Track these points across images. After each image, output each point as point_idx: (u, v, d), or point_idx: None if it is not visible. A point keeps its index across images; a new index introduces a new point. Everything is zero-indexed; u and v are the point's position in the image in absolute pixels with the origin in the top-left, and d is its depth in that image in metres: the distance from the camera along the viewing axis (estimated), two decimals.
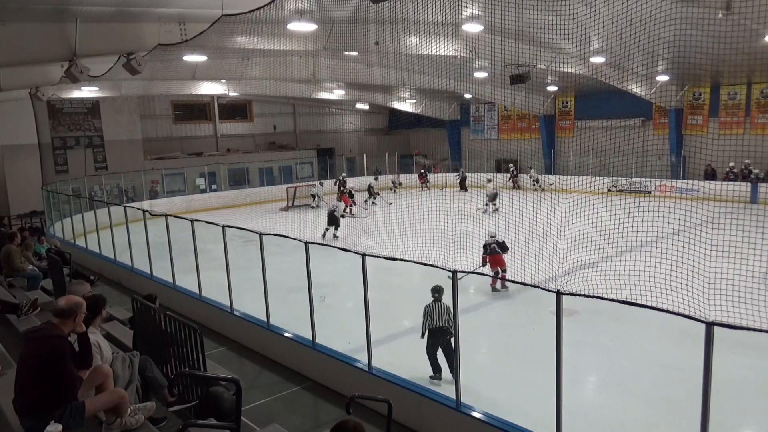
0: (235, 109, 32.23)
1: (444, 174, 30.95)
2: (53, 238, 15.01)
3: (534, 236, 12.70)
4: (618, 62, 19.16)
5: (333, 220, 17.27)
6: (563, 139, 28.28)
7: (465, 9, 12.89)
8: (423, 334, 7.15)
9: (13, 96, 19.60)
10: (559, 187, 24.05)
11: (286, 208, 24.34)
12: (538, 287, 5.37)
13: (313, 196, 24.50)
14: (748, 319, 6.82)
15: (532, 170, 26.75)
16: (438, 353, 7.11)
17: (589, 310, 8.72)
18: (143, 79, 19.75)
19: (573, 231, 11.57)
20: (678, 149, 23.58)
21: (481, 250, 11.27)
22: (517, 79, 17.37)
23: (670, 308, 4.77)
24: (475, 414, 5.52)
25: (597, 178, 22.61)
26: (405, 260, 6.62)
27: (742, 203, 19.00)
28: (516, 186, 26.71)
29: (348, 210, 21.83)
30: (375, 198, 24.12)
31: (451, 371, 6.38)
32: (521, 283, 5.79)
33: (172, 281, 10.44)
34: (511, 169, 27.67)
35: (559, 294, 4.74)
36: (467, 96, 29.10)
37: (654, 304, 4.80)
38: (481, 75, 22.11)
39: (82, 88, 20.49)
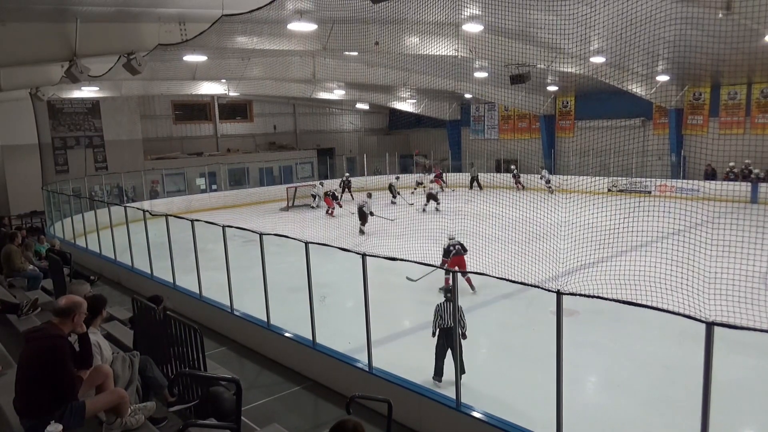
0: (235, 109, 32.23)
1: (444, 173, 30.87)
2: (53, 238, 15.00)
3: (534, 236, 12.70)
4: (618, 62, 19.16)
5: (362, 216, 17.45)
6: (563, 139, 28.26)
7: (465, 9, 12.89)
8: (434, 333, 7.14)
9: (14, 96, 19.59)
10: (559, 187, 24.07)
11: (287, 208, 24.35)
12: (538, 287, 5.37)
13: (314, 196, 24.51)
14: (748, 319, 6.82)
15: (544, 170, 26.32)
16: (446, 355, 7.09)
17: (589, 310, 8.73)
18: (143, 79, 19.75)
19: (573, 231, 11.58)
20: (678, 149, 23.58)
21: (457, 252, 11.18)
22: (517, 79, 17.36)
23: (671, 308, 4.76)
24: (475, 414, 5.52)
25: (597, 178, 22.61)
26: (405, 260, 6.62)
27: (743, 203, 19.02)
28: (520, 187, 26.45)
29: (330, 212, 22.02)
30: (395, 197, 23.91)
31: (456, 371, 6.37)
32: (521, 283, 5.77)
33: (172, 281, 10.44)
34: (513, 170, 27.53)
35: (559, 294, 4.73)
36: (467, 96, 29.08)
37: (654, 304, 4.79)
38: (481, 75, 22.11)
39: (83, 88, 20.48)
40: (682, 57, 15.20)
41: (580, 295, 5.01)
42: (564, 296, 4.74)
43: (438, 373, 7.10)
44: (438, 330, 7.10)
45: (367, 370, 6.54)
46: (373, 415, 5.68)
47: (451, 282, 11.07)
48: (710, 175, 22.28)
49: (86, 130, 25.39)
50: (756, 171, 20.96)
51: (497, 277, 5.70)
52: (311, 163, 32.09)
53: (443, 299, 7.33)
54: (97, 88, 21.49)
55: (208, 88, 24.59)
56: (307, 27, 12.94)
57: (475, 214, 16.39)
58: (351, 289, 7.48)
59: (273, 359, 7.93)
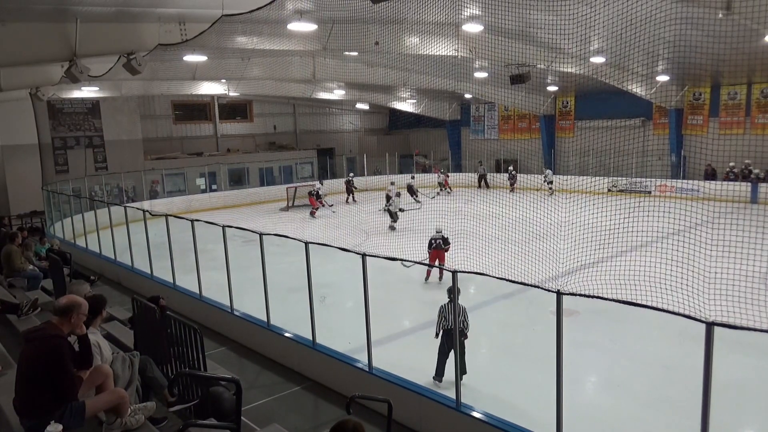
0: (235, 109, 32.22)
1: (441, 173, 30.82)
2: (53, 238, 15.01)
3: (534, 236, 12.70)
4: (618, 62, 19.16)
5: (391, 214, 17.70)
6: (563, 139, 28.27)
7: (465, 9, 12.89)
8: (437, 334, 7.15)
9: (14, 96, 19.57)
10: (559, 187, 24.07)
11: (287, 208, 24.34)
12: (538, 287, 5.37)
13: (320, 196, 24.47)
14: (748, 319, 6.83)
15: (548, 171, 26.16)
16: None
17: (589, 310, 8.73)
18: (143, 79, 19.75)
19: (573, 231, 11.58)
20: (678, 149, 23.58)
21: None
22: (517, 79, 17.36)
23: (671, 308, 4.76)
24: (475, 414, 5.52)
25: (597, 178, 22.63)
26: (405, 260, 6.62)
27: (743, 203, 19.02)
28: (513, 189, 26.32)
29: (312, 213, 22.02)
30: (417, 196, 23.81)
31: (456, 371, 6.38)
32: (521, 283, 5.77)
33: (172, 281, 10.44)
34: (511, 170, 27.46)
35: (559, 294, 4.73)
36: (467, 96, 29.07)
37: (654, 304, 4.79)
38: (481, 75, 22.10)
39: (83, 88, 20.48)
40: (682, 57, 15.21)
41: (580, 295, 5.01)
42: (564, 296, 4.74)
43: (439, 373, 7.11)
44: (441, 331, 7.11)
45: (367, 370, 6.54)
46: (373, 415, 5.69)
47: (432, 276, 11.47)
48: (710, 175, 22.29)
49: (86, 130, 25.38)
50: (756, 171, 20.96)
51: (497, 277, 5.69)
52: (311, 163, 32.10)
53: (446, 300, 7.33)
54: (97, 88, 21.49)
55: (208, 88, 24.59)
56: (307, 27, 12.94)
57: (475, 214, 16.40)
58: (351, 289, 7.49)
59: (273, 359, 7.93)
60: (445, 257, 11.79)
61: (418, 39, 15.64)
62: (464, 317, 6.97)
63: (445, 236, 11.98)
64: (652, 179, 23.40)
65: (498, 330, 9.67)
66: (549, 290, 4.97)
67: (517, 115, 30.43)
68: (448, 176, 28.46)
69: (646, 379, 7.43)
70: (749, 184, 20.63)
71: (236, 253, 9.25)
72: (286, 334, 7.82)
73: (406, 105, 32.04)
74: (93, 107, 25.35)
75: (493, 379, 7.47)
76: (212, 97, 29.81)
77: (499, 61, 16.65)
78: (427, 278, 11.96)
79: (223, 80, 23.30)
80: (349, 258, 6.91)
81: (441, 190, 26.88)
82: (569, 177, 22.93)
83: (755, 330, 4.16)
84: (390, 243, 12.89)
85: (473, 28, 14.32)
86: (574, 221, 12.08)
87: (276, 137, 33.78)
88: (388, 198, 19.60)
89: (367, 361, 6.56)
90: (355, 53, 18.28)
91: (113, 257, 12.94)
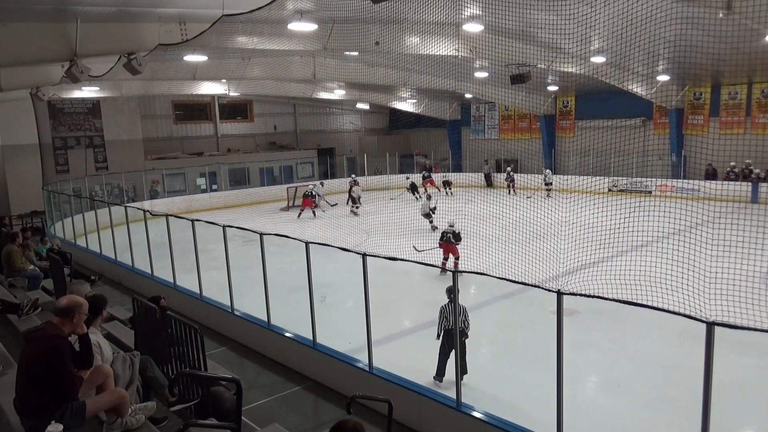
0: (235, 109, 32.23)
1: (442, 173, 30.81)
2: (54, 238, 15.02)
3: (534, 236, 12.70)
4: (618, 62, 19.15)
5: (427, 215, 17.77)
6: (564, 139, 28.26)
7: (465, 9, 12.89)
8: (438, 335, 7.14)
9: (14, 96, 19.59)
10: (559, 187, 24.04)
11: (287, 208, 24.33)
12: (538, 287, 5.36)
13: (314, 196, 24.48)
14: (748, 319, 6.81)
15: (547, 171, 25.98)
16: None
17: (590, 310, 8.73)
18: (144, 79, 19.75)
19: (573, 231, 11.58)
20: (679, 149, 23.57)
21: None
22: (517, 79, 17.35)
23: (671, 308, 4.76)
24: (476, 414, 5.52)
25: (597, 177, 22.62)
26: (405, 260, 6.62)
27: (743, 203, 19.01)
28: (511, 191, 26.02)
29: (299, 215, 21.93)
30: (418, 194, 23.74)
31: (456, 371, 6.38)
32: (521, 283, 5.77)
33: (172, 281, 10.44)
34: (509, 171, 27.02)
35: (559, 294, 4.73)
36: (468, 96, 29.06)
37: (654, 304, 4.79)
38: (481, 75, 22.10)
39: (83, 88, 20.49)
40: (683, 57, 15.21)
41: (580, 295, 5.02)
42: (564, 296, 4.74)
43: (440, 373, 7.11)
44: (443, 331, 7.11)
45: (368, 370, 6.54)
46: (373, 415, 5.69)
47: (447, 266, 11.61)
48: (711, 175, 22.28)
49: (86, 130, 25.38)
50: (756, 171, 20.95)
51: (497, 277, 5.69)
52: (311, 163, 32.11)
53: (447, 300, 7.32)
54: (98, 88, 21.50)
55: (209, 88, 24.60)
56: (307, 27, 12.95)
57: (475, 214, 16.39)
58: (351, 289, 7.49)
59: (273, 359, 7.94)
60: (458, 250, 12.18)
61: (418, 39, 15.64)
62: (465, 317, 6.97)
63: (457, 231, 12.32)
64: (653, 179, 23.39)
65: (498, 330, 9.67)
66: (549, 290, 4.97)
67: (517, 114, 30.43)
68: (441, 178, 28.58)
69: (646, 379, 7.43)
70: (750, 183, 20.62)
71: (237, 253, 9.26)
72: (287, 334, 7.82)
73: (406, 105, 32.04)
74: (93, 107, 25.36)
75: (493, 379, 7.47)
76: (213, 97, 29.81)
77: (500, 61, 16.66)
78: (442, 271, 11.89)
79: (224, 80, 23.30)
80: (350, 258, 6.91)
81: (446, 190, 26.87)
82: (569, 177, 22.91)
83: (755, 330, 4.16)
84: (390, 243, 12.88)
85: (473, 27, 14.32)
86: (575, 221, 12.08)
87: (276, 137, 33.79)
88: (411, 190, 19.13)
89: (367, 361, 6.57)
90: (356, 53, 18.28)
91: (114, 257, 12.95)
